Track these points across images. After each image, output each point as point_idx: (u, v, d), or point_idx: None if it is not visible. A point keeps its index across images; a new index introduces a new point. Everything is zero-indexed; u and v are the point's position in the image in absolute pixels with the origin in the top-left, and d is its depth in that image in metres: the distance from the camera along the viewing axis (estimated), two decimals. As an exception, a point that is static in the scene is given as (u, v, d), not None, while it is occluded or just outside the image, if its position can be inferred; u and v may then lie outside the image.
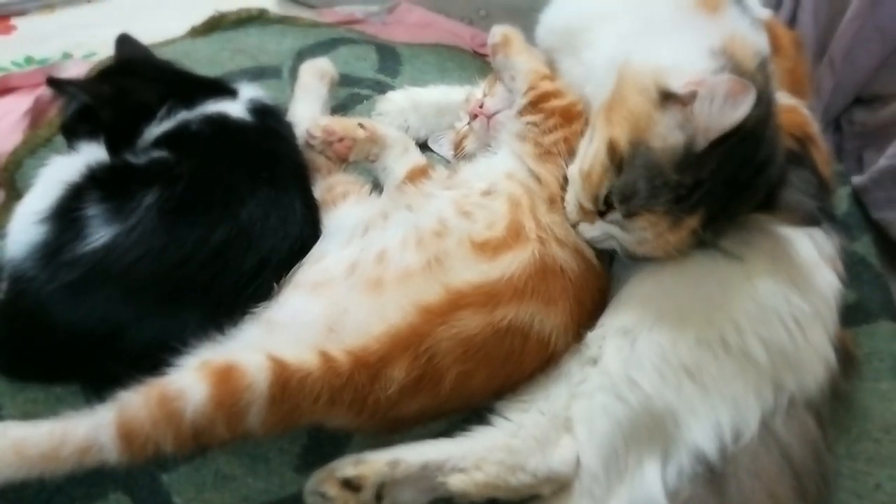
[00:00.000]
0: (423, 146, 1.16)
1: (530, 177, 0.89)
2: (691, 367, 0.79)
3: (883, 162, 1.04)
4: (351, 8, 1.60)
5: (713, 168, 0.73)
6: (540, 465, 0.77)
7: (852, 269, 1.01)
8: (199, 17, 1.40)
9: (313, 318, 0.78)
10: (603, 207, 0.80)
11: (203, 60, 1.25)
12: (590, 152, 0.81)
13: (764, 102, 0.74)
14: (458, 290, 0.79)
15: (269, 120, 0.98)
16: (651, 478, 0.78)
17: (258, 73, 1.24)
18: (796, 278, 0.83)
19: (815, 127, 0.96)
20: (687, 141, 0.73)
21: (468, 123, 1.06)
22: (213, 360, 0.71)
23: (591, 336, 0.84)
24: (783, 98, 0.91)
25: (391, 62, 1.33)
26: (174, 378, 0.70)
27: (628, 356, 0.80)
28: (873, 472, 0.86)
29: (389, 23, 1.55)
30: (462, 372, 0.78)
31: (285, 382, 0.70)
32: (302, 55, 1.29)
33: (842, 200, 1.12)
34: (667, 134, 0.75)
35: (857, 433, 0.89)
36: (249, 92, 1.00)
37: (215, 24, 1.38)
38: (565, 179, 0.87)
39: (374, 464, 0.74)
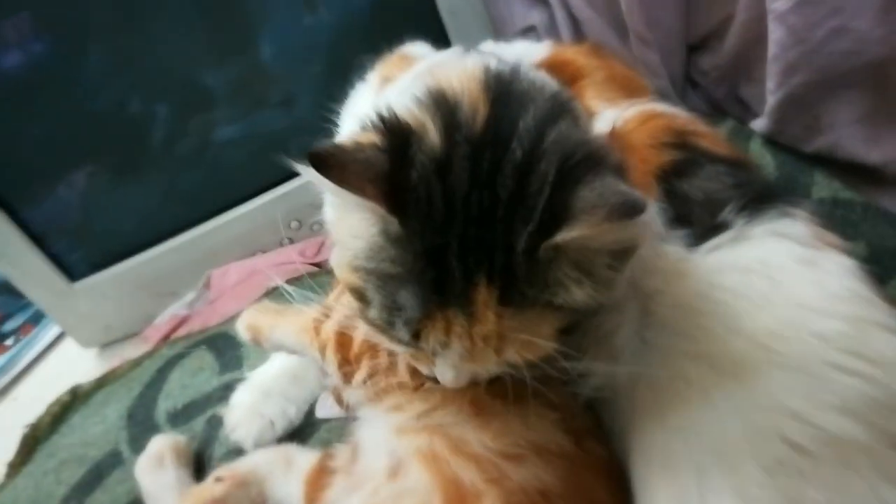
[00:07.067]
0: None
1: (422, 417, 0.65)
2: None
3: (771, 100, 0.84)
4: (171, 310, 1.38)
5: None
6: None
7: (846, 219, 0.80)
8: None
9: None
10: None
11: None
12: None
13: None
14: None
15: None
16: None
17: (96, 475, 0.97)
18: (808, 299, 0.60)
19: (682, 118, 0.77)
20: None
21: (336, 376, 0.82)
22: None
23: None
24: (636, 107, 0.77)
25: (229, 351, 1.08)
26: None
27: None
28: None
29: (213, 299, 1.32)
30: None
31: None
32: (134, 416, 1.04)
33: (764, 156, 0.91)
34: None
35: None
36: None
37: (30, 445, 1.11)
38: None
39: None
